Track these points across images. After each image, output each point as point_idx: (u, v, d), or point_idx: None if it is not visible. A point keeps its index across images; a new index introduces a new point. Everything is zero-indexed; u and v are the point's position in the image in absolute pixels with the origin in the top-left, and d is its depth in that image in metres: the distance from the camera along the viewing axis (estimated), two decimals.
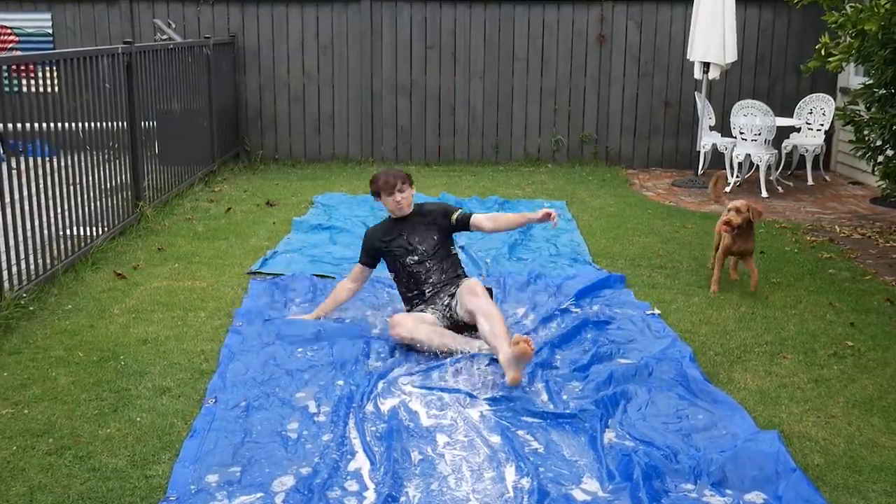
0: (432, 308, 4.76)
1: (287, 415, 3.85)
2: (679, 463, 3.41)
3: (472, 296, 4.50)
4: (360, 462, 3.47)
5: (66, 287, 5.58)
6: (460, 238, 6.90)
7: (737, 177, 9.07)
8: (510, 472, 3.38)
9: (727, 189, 8.79)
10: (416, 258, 4.85)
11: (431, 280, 4.82)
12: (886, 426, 3.82)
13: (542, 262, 6.34)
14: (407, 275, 4.87)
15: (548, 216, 4.75)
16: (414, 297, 4.86)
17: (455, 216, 4.96)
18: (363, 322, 5.04)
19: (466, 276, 4.96)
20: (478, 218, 4.94)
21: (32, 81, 5.72)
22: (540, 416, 3.85)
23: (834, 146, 10.13)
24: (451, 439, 3.67)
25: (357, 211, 7.88)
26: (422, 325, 4.56)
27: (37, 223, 5.52)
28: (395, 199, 4.90)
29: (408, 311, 4.90)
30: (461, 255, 6.43)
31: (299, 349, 4.58)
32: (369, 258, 5.03)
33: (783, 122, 9.15)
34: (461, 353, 4.46)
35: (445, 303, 4.74)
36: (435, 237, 4.91)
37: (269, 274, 6.00)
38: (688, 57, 9.23)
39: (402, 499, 3.20)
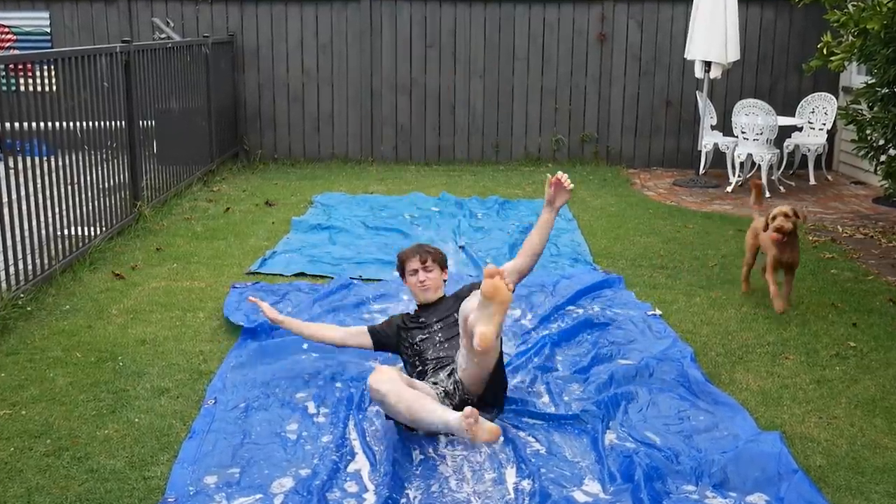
0: (432, 383, 3.90)
1: (286, 416, 3.84)
2: (680, 464, 3.39)
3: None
4: (360, 463, 3.45)
5: (64, 287, 5.55)
6: (460, 237, 6.90)
7: (738, 176, 9.05)
8: (511, 474, 3.37)
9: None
10: (425, 335, 4.13)
11: (439, 356, 4.02)
12: (889, 427, 3.79)
13: (542, 262, 6.31)
14: (412, 352, 4.12)
15: (558, 184, 4.17)
16: (417, 374, 4.03)
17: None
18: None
19: None
20: (505, 268, 4.13)
21: (30, 80, 5.70)
22: (541, 417, 3.83)
23: (836, 145, 10.10)
24: (452, 439, 3.64)
25: (356, 211, 7.86)
26: (400, 385, 3.58)
27: (34, 223, 5.49)
28: (419, 278, 4.20)
29: None
30: (461, 255, 6.46)
31: (303, 356, 4.55)
32: (379, 332, 4.31)
33: (785, 121, 9.12)
34: (435, 429, 3.59)
35: (448, 372, 3.92)
36: (455, 314, 4.08)
37: (264, 274, 5.98)
38: (685, 55, 9.20)
39: (403, 500, 3.19)
